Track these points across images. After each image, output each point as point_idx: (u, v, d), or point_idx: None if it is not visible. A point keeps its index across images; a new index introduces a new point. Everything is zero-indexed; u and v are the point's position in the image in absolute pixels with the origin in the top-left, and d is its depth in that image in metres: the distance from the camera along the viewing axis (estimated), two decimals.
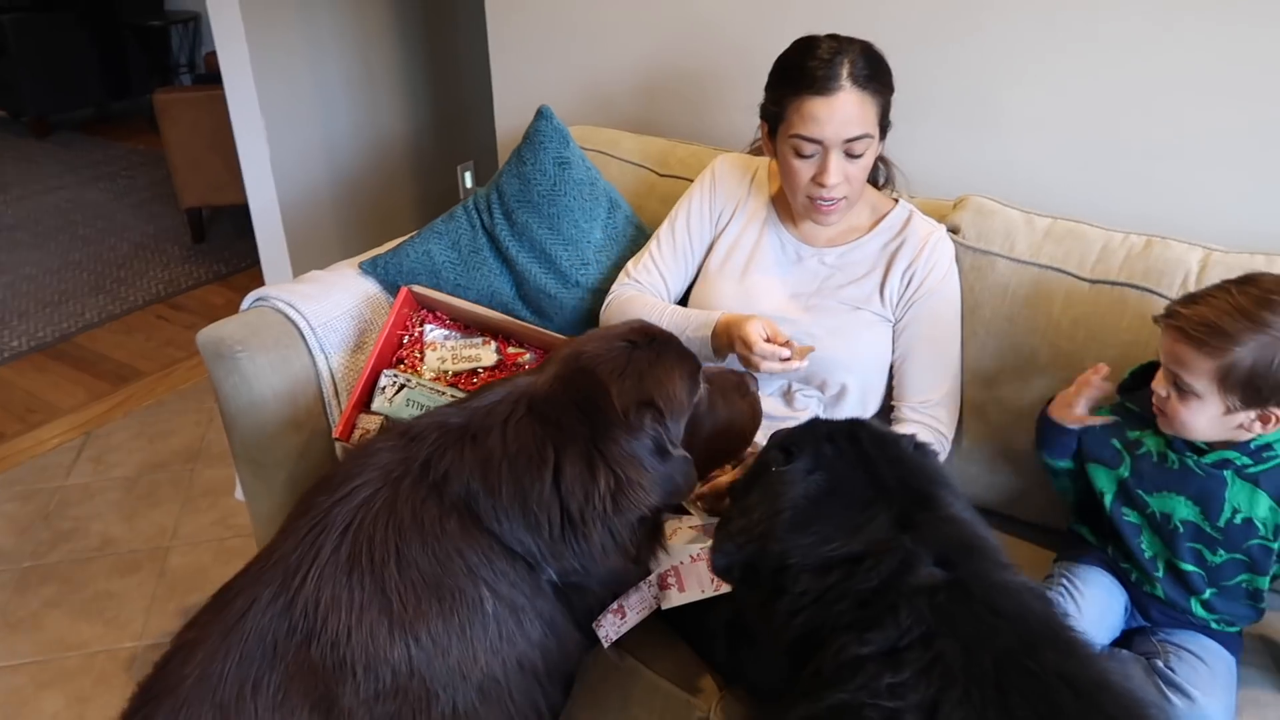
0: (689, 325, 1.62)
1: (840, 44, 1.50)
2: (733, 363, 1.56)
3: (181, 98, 4.10)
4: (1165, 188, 1.75)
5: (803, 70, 1.49)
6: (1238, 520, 1.29)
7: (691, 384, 1.30)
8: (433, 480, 1.20)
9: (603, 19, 2.36)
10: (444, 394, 1.67)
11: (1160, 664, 1.29)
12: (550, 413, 1.22)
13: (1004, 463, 1.67)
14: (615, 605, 1.31)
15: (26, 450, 2.90)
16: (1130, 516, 1.37)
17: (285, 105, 2.99)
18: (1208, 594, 1.34)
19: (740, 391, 1.42)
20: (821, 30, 1.56)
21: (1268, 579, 1.31)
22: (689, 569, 1.30)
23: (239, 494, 2.08)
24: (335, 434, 1.71)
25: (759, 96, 1.61)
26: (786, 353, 1.48)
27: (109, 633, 2.21)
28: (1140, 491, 1.35)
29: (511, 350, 1.79)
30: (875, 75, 1.50)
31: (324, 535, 1.16)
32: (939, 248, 1.63)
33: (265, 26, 2.86)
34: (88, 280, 4.08)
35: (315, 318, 1.85)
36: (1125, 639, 1.41)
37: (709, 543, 1.29)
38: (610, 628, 1.30)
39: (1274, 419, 1.23)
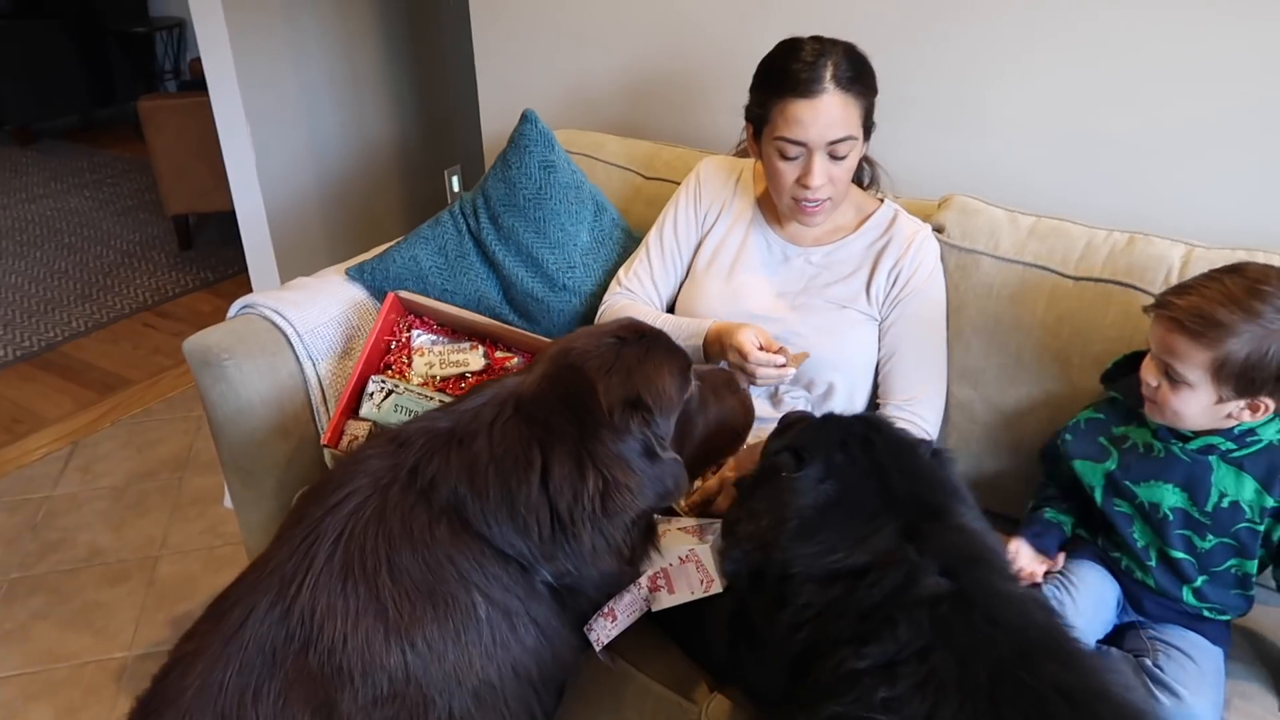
0: (680, 333, 1.62)
1: (823, 46, 1.51)
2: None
3: (166, 104, 4.08)
4: (1147, 184, 1.76)
5: (786, 73, 1.49)
6: (1225, 504, 1.31)
7: (682, 380, 1.29)
8: (420, 487, 1.19)
9: (586, 23, 2.37)
10: (432, 399, 1.67)
11: (1149, 662, 1.30)
12: (537, 413, 1.22)
13: (990, 460, 1.68)
14: (606, 609, 1.31)
15: (13, 461, 2.88)
16: (1121, 507, 1.39)
17: (271, 111, 2.98)
18: (1199, 581, 1.35)
19: (731, 389, 1.42)
20: (803, 31, 1.56)
21: (1255, 563, 1.33)
22: (678, 571, 1.30)
23: (227, 502, 2.07)
24: (324, 440, 1.71)
25: (743, 98, 1.62)
26: (782, 360, 1.50)
27: (98, 643, 2.20)
28: (1128, 482, 1.37)
29: (499, 354, 1.79)
30: (858, 77, 1.50)
31: (317, 544, 1.16)
32: (924, 247, 1.64)
33: (250, 32, 2.85)
34: (74, 289, 4.06)
35: (302, 324, 1.85)
36: (1116, 635, 1.42)
37: (698, 544, 1.29)
38: (601, 631, 1.30)
39: (1263, 408, 1.25)
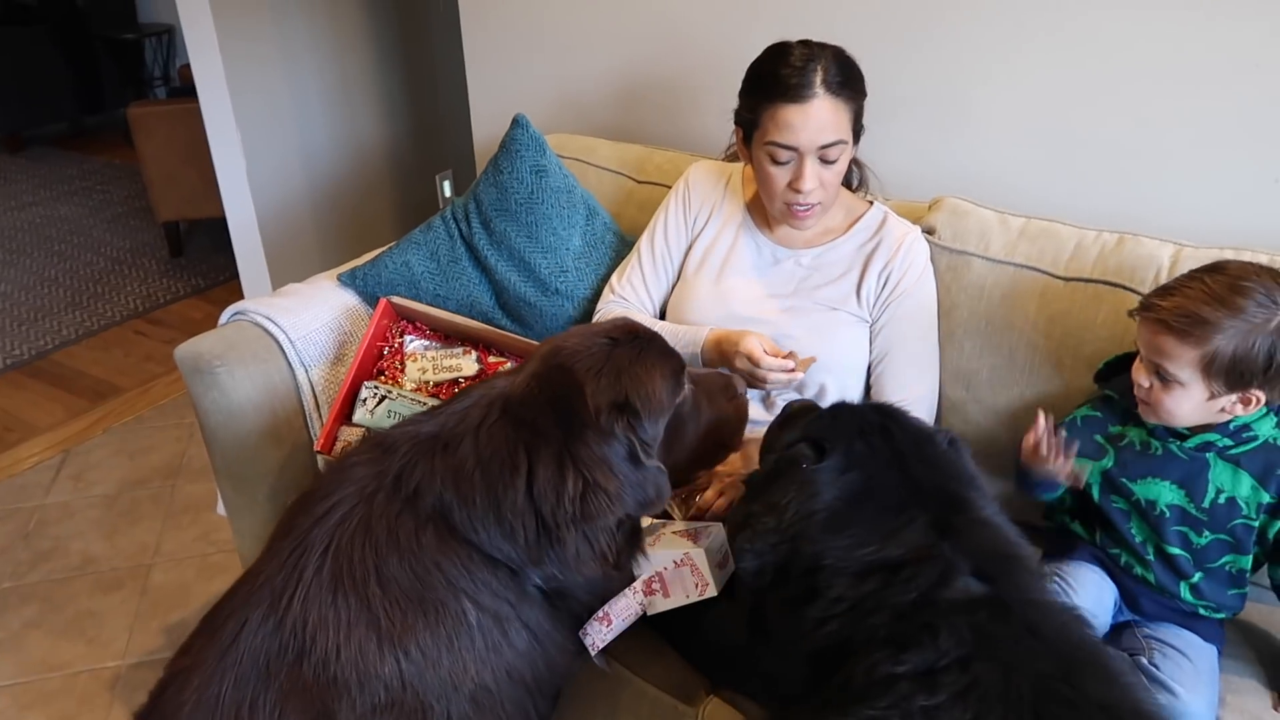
0: (676, 341, 1.62)
1: (812, 50, 1.51)
2: None
3: (156, 111, 4.08)
4: (1135, 185, 1.77)
5: (776, 78, 1.50)
6: (1221, 500, 1.32)
7: (674, 384, 1.28)
8: (405, 494, 1.18)
9: (576, 27, 2.37)
10: (425, 404, 1.67)
11: (1144, 661, 1.31)
12: (525, 414, 1.20)
13: (983, 461, 1.65)
14: (601, 613, 1.31)
15: (4, 469, 2.87)
16: (1119, 504, 1.40)
17: (261, 117, 2.97)
18: (1196, 578, 1.36)
19: (727, 394, 1.41)
20: (792, 34, 1.57)
21: (1249, 559, 1.35)
22: (673, 574, 1.30)
23: (220, 509, 2.07)
24: (317, 447, 1.71)
25: (732, 102, 1.62)
26: (791, 364, 1.51)
27: (91, 652, 2.19)
28: (1124, 480, 1.38)
29: (492, 359, 1.78)
30: (848, 81, 1.51)
31: (305, 557, 1.16)
32: (914, 249, 1.65)
33: (239, 38, 2.85)
34: (64, 296, 4.05)
35: (294, 331, 1.84)
36: (1112, 634, 1.42)
37: (692, 548, 1.29)
38: (597, 635, 1.30)
39: (1255, 400, 1.27)
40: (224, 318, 1.89)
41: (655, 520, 1.44)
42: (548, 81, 2.48)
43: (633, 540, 1.28)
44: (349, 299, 1.98)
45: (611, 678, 1.41)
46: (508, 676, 1.20)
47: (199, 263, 4.35)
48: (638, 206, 2.04)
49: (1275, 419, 1.33)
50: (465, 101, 2.68)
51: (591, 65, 2.39)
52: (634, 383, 1.22)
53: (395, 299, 1.86)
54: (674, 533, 1.37)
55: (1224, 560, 1.35)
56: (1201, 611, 1.38)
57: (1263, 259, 1.41)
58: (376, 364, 1.79)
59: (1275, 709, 1.33)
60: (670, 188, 1.86)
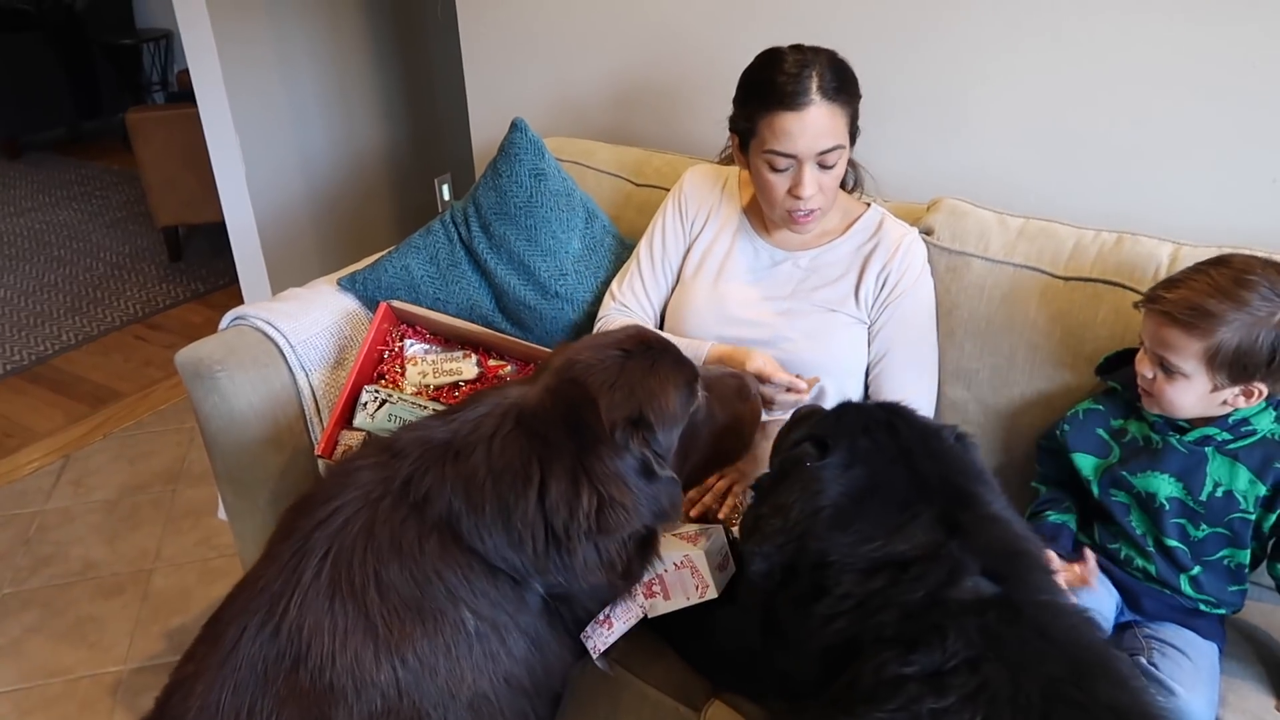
0: None
1: (806, 56, 1.51)
2: None
3: (154, 116, 4.08)
4: (1133, 184, 1.77)
5: (772, 85, 1.50)
6: (1219, 494, 1.33)
7: (687, 394, 1.28)
8: (413, 500, 1.18)
9: (574, 31, 2.37)
10: (426, 408, 1.67)
11: (1144, 661, 1.31)
12: (538, 427, 1.20)
13: (985, 461, 1.68)
14: (602, 616, 1.31)
15: (4, 475, 2.87)
16: (1119, 497, 1.41)
17: (260, 121, 2.98)
18: (1195, 570, 1.37)
19: (741, 396, 1.42)
20: (787, 37, 1.57)
21: (1247, 554, 1.35)
22: (673, 577, 1.30)
23: (221, 514, 2.06)
24: (317, 451, 1.71)
25: (727, 105, 1.62)
26: (803, 384, 1.51)
27: (93, 657, 2.19)
28: (1125, 473, 1.39)
29: (492, 363, 1.79)
30: (843, 86, 1.51)
31: (305, 561, 1.16)
32: (912, 249, 1.65)
33: (238, 43, 2.85)
34: (64, 302, 4.05)
35: (294, 335, 1.84)
36: (1113, 635, 1.42)
37: (693, 550, 1.29)
38: (598, 639, 1.30)
39: (1257, 393, 1.29)
40: (224, 322, 1.89)
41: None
42: (546, 85, 2.48)
43: (644, 549, 1.27)
44: (349, 303, 1.98)
45: (612, 680, 1.41)
46: (506, 684, 1.20)
47: (198, 267, 4.35)
48: (636, 209, 2.04)
49: (1274, 413, 1.34)
50: (464, 105, 2.69)
51: (589, 69, 2.39)
52: (648, 396, 1.23)
53: (395, 303, 1.86)
54: (674, 535, 1.37)
55: (1221, 554, 1.36)
56: (1202, 608, 1.38)
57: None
58: (377, 368, 1.79)
59: (1278, 711, 1.33)
60: (668, 190, 1.86)
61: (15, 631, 2.27)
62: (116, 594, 2.38)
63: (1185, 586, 1.37)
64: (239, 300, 3.17)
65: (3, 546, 2.56)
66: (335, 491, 1.21)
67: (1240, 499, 1.33)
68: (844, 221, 1.70)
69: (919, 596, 0.99)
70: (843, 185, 1.73)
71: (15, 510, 2.71)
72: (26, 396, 3.34)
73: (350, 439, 1.69)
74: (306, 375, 1.84)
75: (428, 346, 1.82)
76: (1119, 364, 1.46)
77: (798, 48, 1.53)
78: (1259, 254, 1.37)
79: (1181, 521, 1.36)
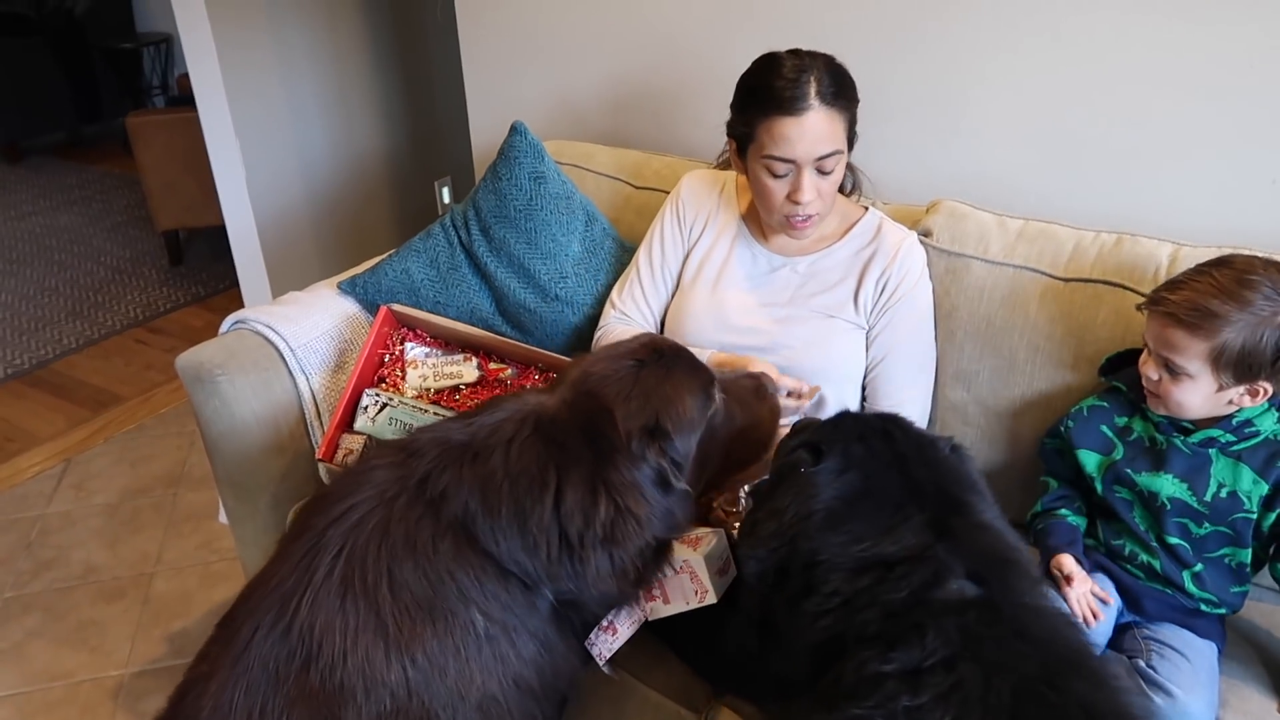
0: None
1: (803, 61, 1.51)
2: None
3: (154, 120, 4.08)
4: (1132, 185, 1.77)
5: (770, 91, 1.49)
6: (1224, 495, 1.34)
7: (704, 399, 1.29)
8: (430, 498, 1.19)
9: (574, 34, 2.37)
10: (426, 412, 1.67)
11: (1142, 663, 1.31)
12: (556, 435, 1.21)
13: (985, 464, 1.68)
14: (606, 622, 1.31)
15: (6, 479, 2.87)
16: (1122, 494, 1.42)
17: (260, 125, 2.98)
18: (1198, 567, 1.37)
19: (759, 396, 1.42)
20: (785, 40, 1.57)
21: (1248, 553, 1.36)
22: (673, 581, 1.30)
23: (222, 517, 2.07)
24: (318, 455, 1.71)
25: (725, 110, 1.62)
26: (805, 387, 1.52)
27: (94, 661, 2.19)
28: (1129, 471, 1.40)
29: (493, 366, 1.79)
30: (841, 91, 1.51)
31: (318, 559, 1.16)
32: (911, 253, 1.65)
33: (238, 47, 2.85)
34: (64, 306, 4.05)
35: (295, 339, 1.85)
36: (1112, 637, 1.42)
37: (692, 554, 1.29)
38: (603, 645, 1.31)
39: (1262, 392, 1.29)
40: (225, 326, 1.89)
41: None
42: (545, 89, 2.49)
43: (658, 559, 1.27)
44: (349, 307, 1.98)
45: (616, 684, 1.41)
46: (515, 685, 1.20)
47: (199, 271, 4.35)
48: (636, 212, 2.04)
49: (1277, 414, 1.34)
50: (463, 109, 2.69)
51: (588, 72, 2.39)
52: (663, 403, 1.23)
53: (395, 306, 1.86)
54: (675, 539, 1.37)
55: (1222, 552, 1.36)
56: (1203, 607, 1.38)
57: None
58: (377, 371, 1.80)
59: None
60: (668, 193, 1.86)
61: (17, 635, 2.27)
62: (118, 598, 2.38)
63: (1189, 584, 1.37)
64: (239, 304, 3.18)
65: (4, 550, 2.56)
66: (350, 490, 1.21)
67: (1244, 499, 1.33)
68: (842, 226, 1.70)
69: (903, 596, 1.00)
70: (840, 189, 1.73)
71: (17, 514, 2.71)
72: (27, 400, 3.34)
73: (351, 442, 1.69)
74: (307, 379, 1.84)
75: (428, 350, 1.83)
76: (1121, 365, 1.47)
77: (796, 52, 1.53)
78: (1259, 254, 1.37)
79: (1183, 520, 1.37)
